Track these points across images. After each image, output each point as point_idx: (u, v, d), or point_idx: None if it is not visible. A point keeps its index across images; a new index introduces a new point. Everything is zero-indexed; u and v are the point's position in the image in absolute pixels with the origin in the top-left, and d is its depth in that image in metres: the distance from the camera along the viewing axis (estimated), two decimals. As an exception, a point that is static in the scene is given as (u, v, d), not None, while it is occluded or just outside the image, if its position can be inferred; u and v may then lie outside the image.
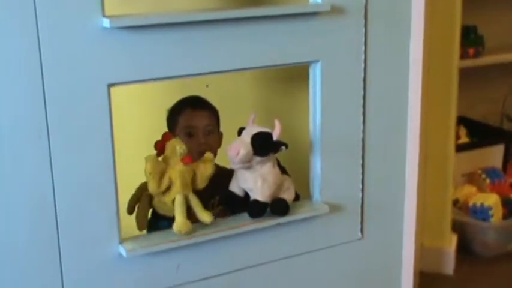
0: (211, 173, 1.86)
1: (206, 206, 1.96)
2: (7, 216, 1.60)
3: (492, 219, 2.87)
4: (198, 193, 1.98)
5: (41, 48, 1.54)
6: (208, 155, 1.89)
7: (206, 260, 1.86)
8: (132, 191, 1.97)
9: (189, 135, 2.11)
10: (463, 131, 3.31)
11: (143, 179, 1.83)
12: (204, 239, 1.81)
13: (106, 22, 1.58)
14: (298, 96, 2.32)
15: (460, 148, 3.03)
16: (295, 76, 2.29)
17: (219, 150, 2.17)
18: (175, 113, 2.16)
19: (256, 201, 1.83)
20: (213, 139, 2.14)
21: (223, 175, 2.13)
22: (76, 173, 1.64)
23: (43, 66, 1.55)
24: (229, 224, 1.87)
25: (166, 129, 2.16)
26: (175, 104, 2.17)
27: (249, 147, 1.80)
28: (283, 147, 1.82)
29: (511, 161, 3.36)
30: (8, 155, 1.57)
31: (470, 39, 3.24)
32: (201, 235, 1.81)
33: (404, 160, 2.12)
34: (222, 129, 2.23)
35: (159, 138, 1.88)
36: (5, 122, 1.55)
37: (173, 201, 1.79)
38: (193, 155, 2.01)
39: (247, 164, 1.81)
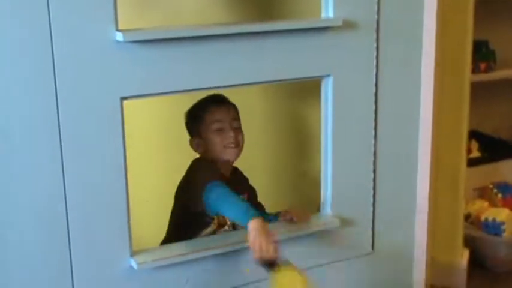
0: None
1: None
2: (19, 229, 1.61)
3: (504, 234, 2.85)
4: (230, 185, 1.97)
5: (55, 61, 1.56)
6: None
7: (215, 274, 1.86)
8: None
9: (217, 130, 2.03)
10: (474, 145, 3.29)
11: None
12: (213, 252, 1.81)
13: (119, 36, 1.59)
14: (310, 109, 2.32)
15: (472, 162, 3.02)
16: (307, 90, 2.29)
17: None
18: (198, 112, 2.07)
19: None
20: (240, 135, 2.07)
21: (239, 177, 2.14)
22: (88, 185, 1.65)
23: (56, 79, 1.57)
24: (239, 238, 1.87)
25: (177, 140, 2.15)
26: (195, 105, 2.09)
27: None
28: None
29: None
30: (20, 167, 1.58)
31: (482, 53, 3.23)
32: (209, 249, 1.82)
33: (415, 174, 2.11)
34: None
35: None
36: (19, 134, 1.56)
37: None
38: (220, 150, 2.02)
39: None
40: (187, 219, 2.01)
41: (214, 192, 1.86)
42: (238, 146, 2.05)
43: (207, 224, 2.00)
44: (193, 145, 2.07)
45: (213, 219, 2.01)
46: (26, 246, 1.62)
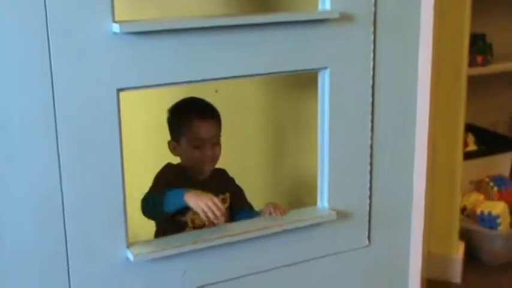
0: None
1: None
2: (15, 220, 1.61)
3: (500, 228, 2.87)
4: (204, 189, 1.98)
5: (51, 52, 1.55)
6: None
7: (212, 265, 1.86)
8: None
9: (196, 147, 2.05)
10: (471, 139, 3.30)
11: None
12: (210, 244, 1.81)
13: (116, 27, 1.58)
14: (306, 102, 2.32)
15: (468, 156, 3.03)
16: (303, 82, 2.29)
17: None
18: (180, 120, 2.08)
19: None
20: (218, 148, 2.09)
21: (220, 174, 2.15)
22: (84, 177, 1.65)
23: (53, 70, 1.56)
24: (235, 230, 1.87)
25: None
26: (178, 108, 2.09)
27: None
28: None
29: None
30: (16, 157, 1.57)
31: (479, 47, 3.24)
32: (206, 241, 1.81)
33: (412, 167, 2.11)
34: (230, 133, 2.22)
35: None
36: (14, 125, 1.56)
37: None
38: (197, 164, 2.06)
39: None
40: (161, 224, 2.06)
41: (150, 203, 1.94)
42: (214, 160, 2.09)
43: (183, 227, 2.02)
44: (171, 147, 2.10)
45: (186, 222, 2.02)
46: (22, 238, 1.62)
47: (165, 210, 1.90)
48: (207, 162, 2.08)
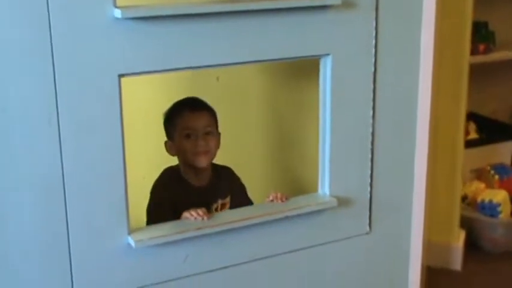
0: None
1: (209, 210, 1.97)
2: (16, 205, 1.61)
3: (500, 216, 2.87)
4: (201, 196, 2.00)
5: (52, 38, 1.55)
6: None
7: (214, 252, 1.86)
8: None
9: (188, 137, 2.06)
10: (472, 127, 3.30)
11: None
12: (212, 231, 1.81)
13: (117, 12, 1.58)
14: (308, 89, 2.32)
15: (469, 144, 3.03)
16: (305, 69, 2.29)
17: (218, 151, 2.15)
18: (173, 116, 2.10)
19: None
20: (211, 140, 2.08)
21: (223, 176, 2.15)
22: (85, 163, 1.65)
23: (54, 56, 1.56)
24: (237, 216, 1.88)
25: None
26: (172, 107, 2.12)
27: None
28: None
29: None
30: (18, 142, 1.57)
31: (481, 35, 3.23)
32: (208, 227, 1.82)
33: (413, 155, 2.11)
34: (231, 122, 2.23)
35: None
36: (16, 109, 1.55)
37: None
38: (191, 157, 2.05)
39: None
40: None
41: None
42: (209, 152, 2.07)
43: None
44: (167, 147, 2.10)
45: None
46: (23, 224, 1.62)
47: None
48: (200, 155, 2.06)
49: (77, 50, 1.57)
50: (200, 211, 1.83)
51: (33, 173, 1.60)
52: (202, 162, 2.07)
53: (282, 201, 1.95)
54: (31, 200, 1.62)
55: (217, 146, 2.11)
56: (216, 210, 2.10)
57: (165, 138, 2.11)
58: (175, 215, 1.89)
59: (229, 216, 1.89)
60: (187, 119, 2.06)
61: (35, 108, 1.57)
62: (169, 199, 2.00)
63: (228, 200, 2.14)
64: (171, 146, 2.09)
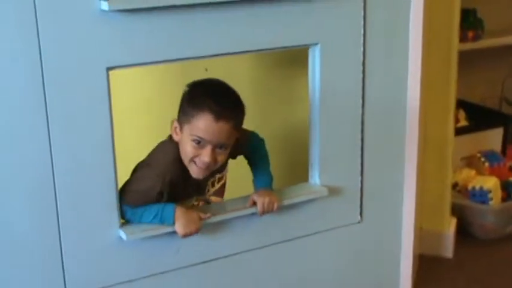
0: None
1: (206, 186, 1.96)
2: (7, 200, 1.60)
3: (491, 202, 2.87)
4: None
5: (39, 30, 1.54)
6: None
7: (205, 243, 1.86)
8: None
9: (196, 142, 1.75)
10: (462, 115, 3.30)
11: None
12: (204, 222, 1.81)
13: (104, 5, 1.57)
14: (297, 79, 2.32)
15: (459, 131, 3.03)
16: (294, 59, 2.28)
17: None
18: (194, 104, 1.75)
19: None
20: (221, 155, 1.78)
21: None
22: (75, 157, 1.64)
23: (41, 48, 1.55)
24: (228, 207, 1.87)
25: (167, 113, 2.12)
26: (198, 87, 1.80)
27: None
28: None
29: (510, 144, 3.35)
30: (6, 137, 1.57)
31: (470, 22, 3.22)
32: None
33: (403, 143, 2.12)
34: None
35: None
36: (4, 103, 1.55)
37: None
38: (188, 162, 1.79)
39: None
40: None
41: (129, 212, 1.77)
42: (208, 168, 1.79)
43: None
44: (172, 127, 1.82)
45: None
46: (14, 218, 1.62)
47: (151, 222, 1.77)
48: (199, 167, 1.78)
49: (64, 43, 1.57)
50: (193, 228, 1.78)
51: (23, 168, 1.60)
52: (198, 174, 1.81)
53: (271, 210, 1.88)
54: (21, 195, 1.61)
55: (225, 158, 1.83)
56: (213, 184, 2.03)
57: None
58: (170, 189, 1.79)
59: (220, 208, 1.88)
60: (205, 126, 1.72)
61: (23, 103, 1.56)
62: (164, 175, 1.79)
63: (224, 173, 2.06)
64: (177, 130, 1.79)
